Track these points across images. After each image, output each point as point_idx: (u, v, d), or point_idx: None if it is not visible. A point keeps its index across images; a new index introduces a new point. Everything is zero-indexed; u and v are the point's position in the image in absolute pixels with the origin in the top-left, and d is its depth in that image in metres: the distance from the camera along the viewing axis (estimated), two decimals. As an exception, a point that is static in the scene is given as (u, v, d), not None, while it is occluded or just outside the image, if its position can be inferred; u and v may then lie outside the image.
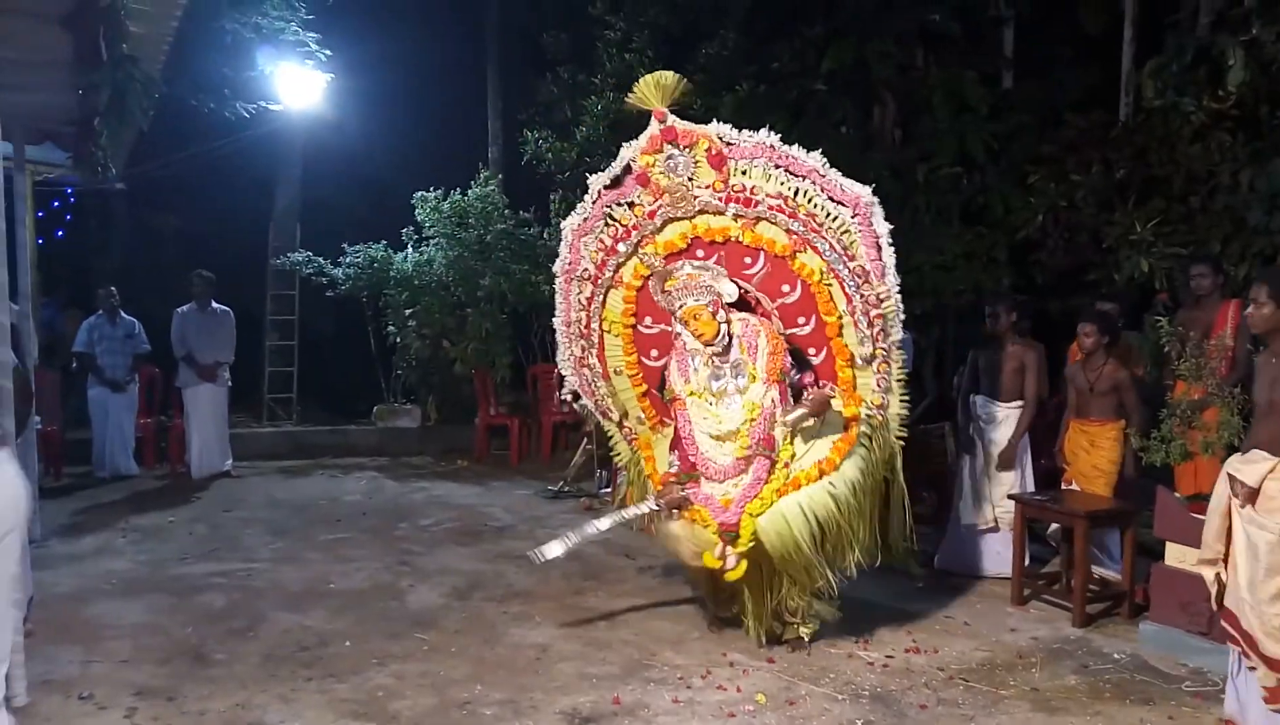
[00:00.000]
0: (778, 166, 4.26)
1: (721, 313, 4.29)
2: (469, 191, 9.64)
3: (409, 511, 7.08)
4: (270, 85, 8.90)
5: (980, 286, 8.39)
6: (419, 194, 9.57)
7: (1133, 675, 4.16)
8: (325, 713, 3.67)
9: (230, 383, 8.30)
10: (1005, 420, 5.59)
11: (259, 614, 4.76)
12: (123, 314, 8.18)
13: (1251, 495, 3.40)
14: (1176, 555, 4.42)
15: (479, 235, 9.46)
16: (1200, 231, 6.84)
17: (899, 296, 4.21)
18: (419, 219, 9.60)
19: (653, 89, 4.32)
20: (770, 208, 4.30)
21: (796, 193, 4.25)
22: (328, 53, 9.01)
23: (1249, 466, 3.42)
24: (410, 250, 9.69)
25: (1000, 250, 8.56)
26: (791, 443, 4.25)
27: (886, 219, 4.19)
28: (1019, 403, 5.56)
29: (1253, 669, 3.44)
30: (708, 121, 4.37)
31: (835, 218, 4.22)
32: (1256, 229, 6.47)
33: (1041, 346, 5.76)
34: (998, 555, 5.51)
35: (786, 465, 4.19)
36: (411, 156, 10.96)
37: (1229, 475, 3.49)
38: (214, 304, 8.20)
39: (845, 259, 4.23)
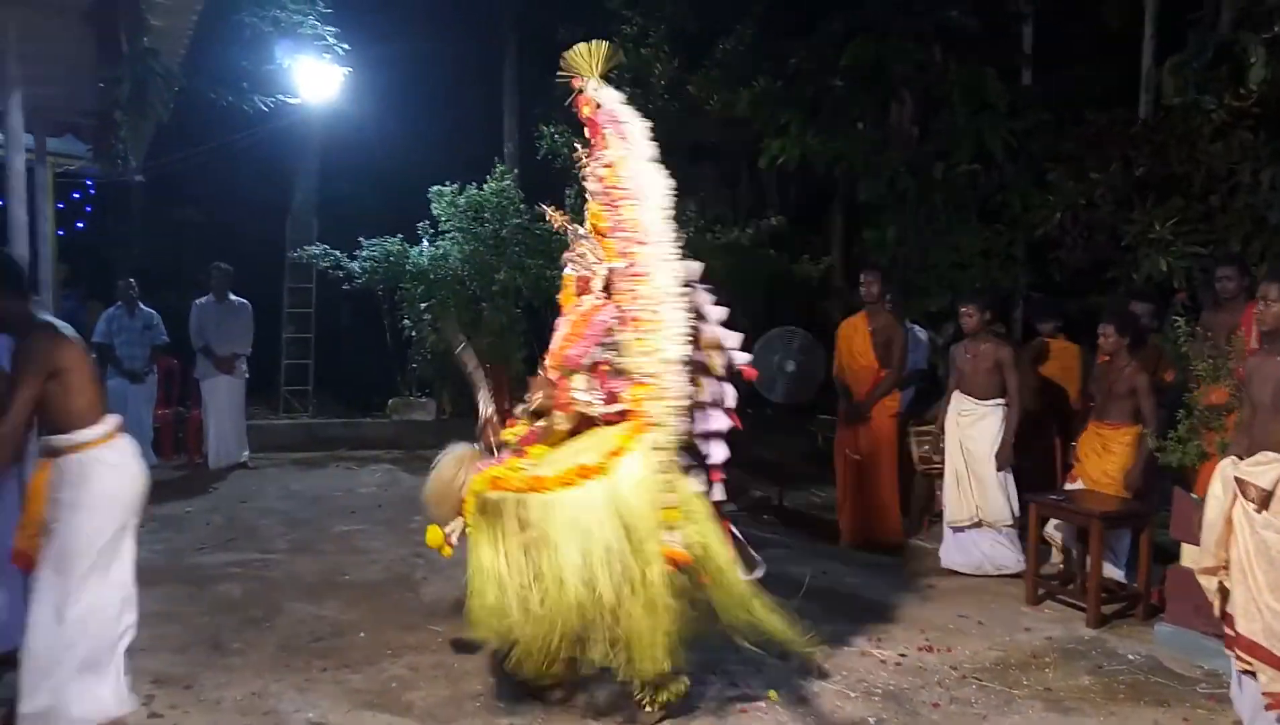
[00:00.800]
0: (615, 133, 3.79)
1: (587, 294, 3.82)
2: (485, 186, 9.65)
3: (424, 504, 7.10)
4: (288, 79, 8.95)
5: (998, 284, 8.35)
6: (435, 188, 9.59)
7: (1147, 676, 4.14)
8: (340, 702, 3.70)
9: (248, 374, 8.36)
10: (981, 418, 5.58)
11: (275, 604, 4.79)
12: (141, 306, 8.24)
13: (1265, 499, 3.33)
14: (1193, 557, 4.39)
15: (494, 230, 9.47)
16: (1220, 231, 6.79)
17: (674, 307, 3.47)
18: (435, 213, 9.61)
19: (582, 59, 3.97)
20: (593, 176, 3.84)
21: (617, 163, 3.73)
22: (345, 47, 9.06)
23: (1259, 468, 3.34)
24: (426, 244, 9.71)
25: (1018, 248, 8.52)
26: (549, 447, 3.63)
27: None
28: (995, 401, 5.54)
29: (1249, 673, 3.39)
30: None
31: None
32: (1277, 228, 6.41)
33: (1059, 342, 5.71)
34: (985, 554, 5.52)
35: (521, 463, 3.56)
36: (428, 151, 10.99)
37: (1237, 480, 3.42)
38: (232, 296, 8.25)
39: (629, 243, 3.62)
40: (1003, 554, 5.52)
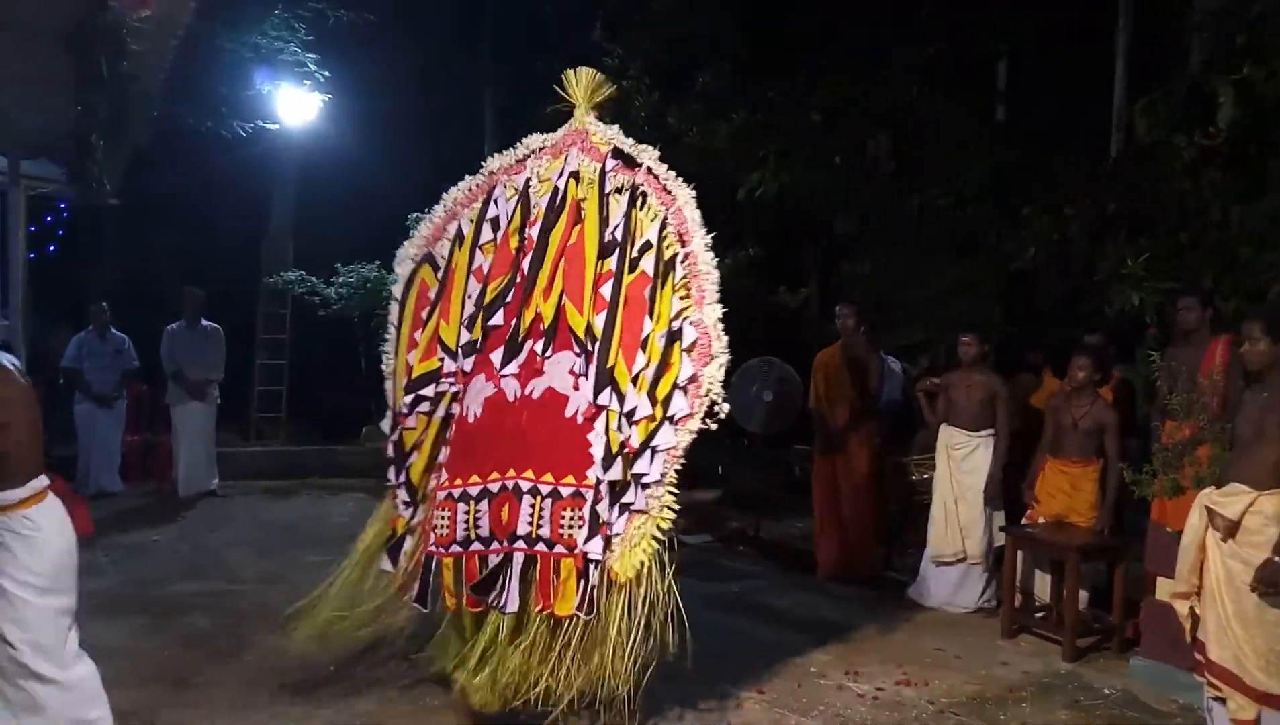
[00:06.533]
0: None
1: None
2: (464, 214, 9.63)
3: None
4: (268, 104, 8.92)
5: (971, 319, 8.40)
6: (414, 215, 9.56)
7: (1123, 711, 4.14)
8: (308, 738, 3.62)
9: (219, 401, 8.24)
10: (974, 450, 5.57)
11: (242, 637, 4.70)
12: (113, 330, 8.14)
13: (1232, 529, 3.38)
14: (1168, 589, 4.39)
15: (473, 258, 9.46)
16: (1191, 267, 6.88)
17: None
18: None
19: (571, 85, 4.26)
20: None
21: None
22: (326, 74, 9.04)
23: (1228, 499, 3.40)
24: (404, 271, 9.67)
25: (991, 283, 8.59)
26: None
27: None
28: (987, 432, 5.55)
29: (1219, 700, 3.41)
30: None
31: None
32: (1247, 265, 6.51)
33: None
34: (963, 589, 5.50)
35: None
36: (407, 177, 10.94)
37: (1207, 509, 3.48)
38: (204, 321, 8.16)
39: None
40: (968, 592, 5.51)
